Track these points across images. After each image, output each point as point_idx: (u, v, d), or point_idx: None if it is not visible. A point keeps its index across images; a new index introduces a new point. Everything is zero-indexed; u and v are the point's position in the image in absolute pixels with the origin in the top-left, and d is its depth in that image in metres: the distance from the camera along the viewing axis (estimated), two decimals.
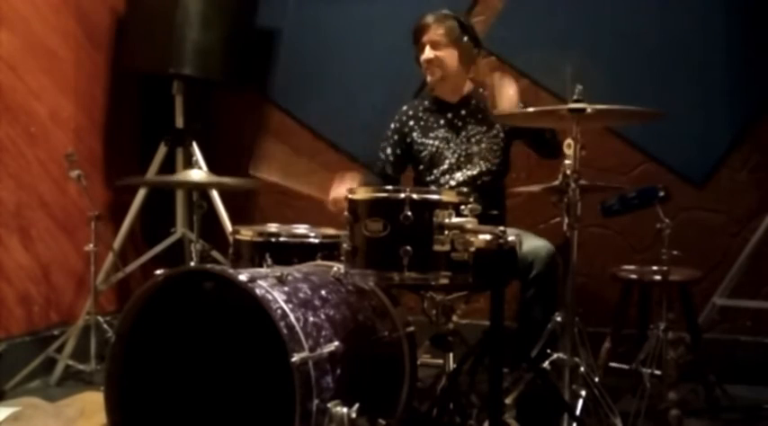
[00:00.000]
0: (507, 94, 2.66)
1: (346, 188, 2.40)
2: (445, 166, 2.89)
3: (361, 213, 2.06)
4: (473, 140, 2.88)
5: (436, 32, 2.82)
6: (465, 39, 2.85)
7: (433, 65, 2.83)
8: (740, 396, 2.87)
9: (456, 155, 2.88)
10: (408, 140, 2.97)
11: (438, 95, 2.97)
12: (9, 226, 3.05)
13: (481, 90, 2.96)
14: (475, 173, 2.86)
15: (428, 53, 2.82)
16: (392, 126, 3.02)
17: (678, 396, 2.56)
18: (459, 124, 2.90)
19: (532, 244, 2.58)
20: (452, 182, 2.86)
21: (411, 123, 2.97)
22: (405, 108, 3.02)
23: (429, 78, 2.87)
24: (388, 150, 3.01)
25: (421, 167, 2.95)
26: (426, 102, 2.99)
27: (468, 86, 2.96)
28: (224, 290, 2.01)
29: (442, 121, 2.92)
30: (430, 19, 2.84)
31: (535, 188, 2.58)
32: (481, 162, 2.87)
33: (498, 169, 2.90)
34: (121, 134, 3.71)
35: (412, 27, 2.89)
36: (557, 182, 2.27)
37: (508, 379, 2.34)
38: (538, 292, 2.60)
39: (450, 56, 2.84)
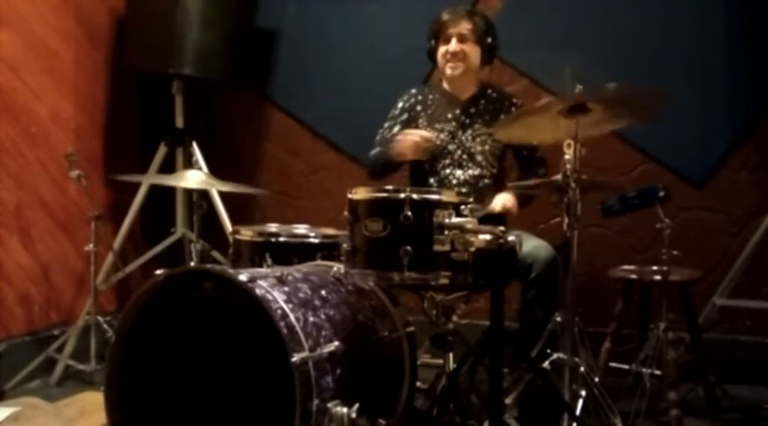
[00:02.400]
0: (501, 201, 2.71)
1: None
2: (447, 161, 2.88)
3: (361, 213, 2.06)
4: (478, 140, 2.87)
5: (465, 26, 2.83)
6: (488, 39, 2.87)
7: (457, 58, 2.84)
8: (740, 396, 2.87)
9: (459, 152, 2.88)
10: (414, 124, 2.93)
11: (449, 90, 2.96)
12: (9, 226, 3.05)
13: (489, 91, 2.95)
14: (476, 173, 2.86)
15: (455, 46, 2.83)
16: (400, 105, 2.99)
17: (678, 396, 2.56)
18: (467, 121, 2.90)
19: (532, 246, 2.58)
20: (453, 180, 2.86)
21: (419, 108, 2.95)
22: (414, 91, 3.00)
23: (449, 71, 2.87)
24: (396, 128, 2.95)
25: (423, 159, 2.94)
26: (436, 94, 2.98)
27: (478, 86, 2.95)
28: (224, 290, 2.01)
29: (450, 116, 2.91)
30: (457, 13, 2.85)
31: (534, 182, 2.58)
32: (483, 162, 2.86)
33: (498, 172, 2.90)
34: (121, 134, 3.71)
35: (436, 18, 2.88)
36: (556, 178, 2.27)
37: (508, 379, 2.33)
38: (538, 293, 2.60)
39: (474, 52, 2.85)
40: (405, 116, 2.97)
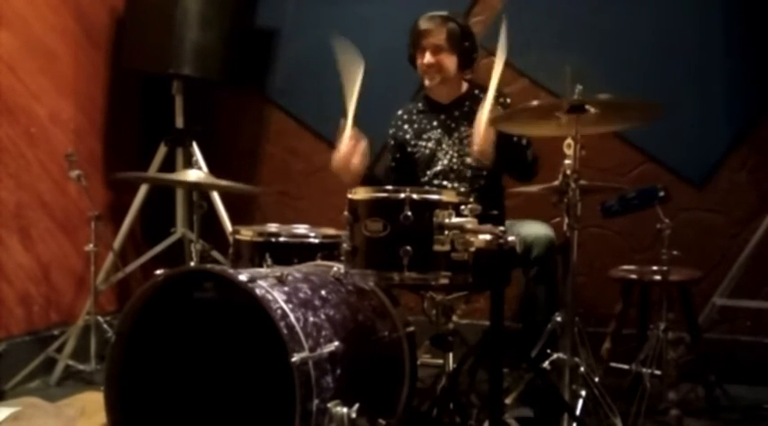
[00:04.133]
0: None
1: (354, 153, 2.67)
2: (438, 168, 2.88)
3: (361, 213, 2.06)
4: (465, 142, 2.87)
5: (438, 37, 2.79)
6: (465, 44, 2.84)
7: (432, 70, 2.82)
8: (740, 396, 2.87)
9: (449, 157, 2.88)
10: (403, 144, 2.97)
11: (431, 97, 2.97)
12: (9, 226, 3.05)
13: (476, 91, 2.95)
14: (469, 175, 2.85)
15: (429, 58, 2.80)
16: (389, 132, 3.04)
17: (678, 396, 2.56)
18: (453, 125, 2.90)
19: (531, 228, 2.60)
20: (447, 183, 2.86)
21: (405, 127, 2.98)
22: (399, 112, 3.03)
23: (427, 82, 2.87)
24: (389, 156, 3.06)
25: (417, 169, 2.96)
26: (420, 104, 3.00)
27: (463, 87, 2.95)
28: (224, 290, 2.01)
29: (435, 123, 2.92)
30: (431, 23, 2.80)
31: (535, 188, 2.58)
32: (473, 162, 2.86)
33: (492, 170, 2.89)
34: (121, 134, 3.71)
35: (410, 28, 2.87)
36: (557, 183, 2.27)
37: (508, 379, 2.34)
38: (539, 274, 2.61)
39: (449, 61, 2.82)
40: (392, 142, 3.03)
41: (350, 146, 2.73)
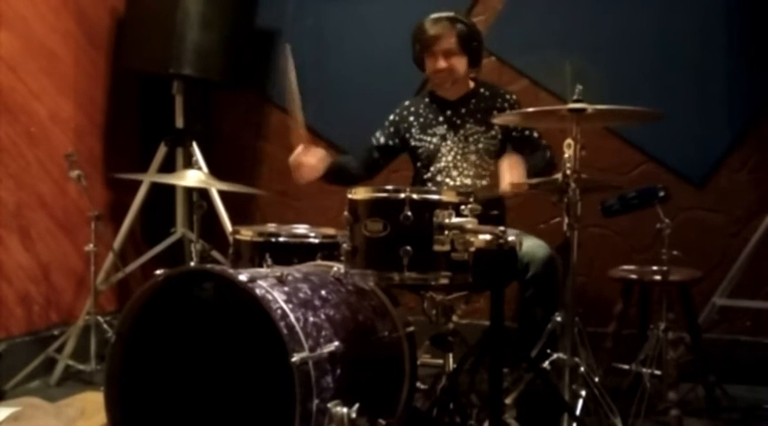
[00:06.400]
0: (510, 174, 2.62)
1: (308, 157, 2.76)
2: (442, 164, 2.89)
3: (361, 213, 2.06)
4: (471, 139, 2.88)
5: (450, 41, 2.79)
6: (474, 43, 2.85)
7: (444, 74, 2.84)
8: (740, 396, 2.87)
9: (453, 153, 2.88)
10: (406, 136, 2.97)
11: (438, 94, 2.97)
12: (9, 226, 3.05)
13: (482, 90, 2.96)
14: (472, 173, 2.85)
15: (442, 63, 2.81)
16: (391, 117, 3.03)
17: (678, 396, 2.56)
18: (458, 122, 2.90)
19: (529, 246, 2.58)
20: (449, 181, 2.86)
21: (411, 119, 2.97)
22: (407, 103, 3.03)
23: (437, 88, 2.91)
24: (381, 138, 3.02)
25: (418, 164, 2.96)
26: (426, 99, 3.00)
27: (470, 85, 2.96)
28: (224, 290, 2.01)
29: (441, 118, 2.93)
30: (441, 27, 2.80)
31: (534, 182, 2.57)
32: (478, 161, 2.86)
33: (495, 169, 2.89)
34: (121, 134, 3.71)
35: (416, 31, 2.87)
36: (557, 176, 2.27)
37: (508, 379, 2.33)
38: (536, 293, 2.60)
39: (461, 63, 2.84)
40: (392, 128, 3.02)
41: (303, 152, 2.83)
